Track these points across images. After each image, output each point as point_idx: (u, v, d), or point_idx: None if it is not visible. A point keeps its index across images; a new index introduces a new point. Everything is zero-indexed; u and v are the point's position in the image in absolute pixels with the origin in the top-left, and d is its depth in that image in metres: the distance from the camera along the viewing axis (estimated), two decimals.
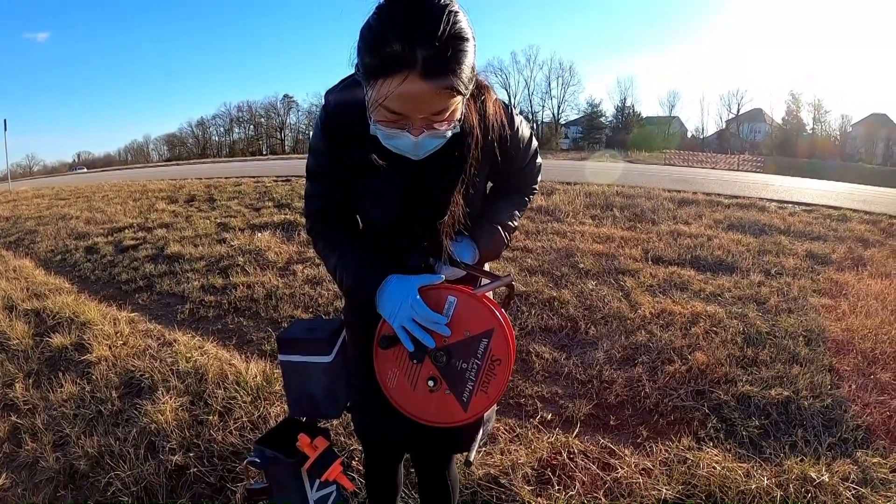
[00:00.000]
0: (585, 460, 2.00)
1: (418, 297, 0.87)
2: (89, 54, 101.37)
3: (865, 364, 2.80)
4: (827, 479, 1.86)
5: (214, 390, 2.46)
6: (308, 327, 0.86)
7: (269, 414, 2.26)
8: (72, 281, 4.86)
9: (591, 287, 3.90)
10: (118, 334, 3.18)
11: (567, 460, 1.99)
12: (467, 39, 0.78)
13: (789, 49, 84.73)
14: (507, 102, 1.06)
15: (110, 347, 2.98)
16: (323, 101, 1.02)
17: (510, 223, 1.14)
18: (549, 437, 2.13)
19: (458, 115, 0.85)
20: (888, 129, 45.53)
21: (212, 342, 3.13)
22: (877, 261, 4.82)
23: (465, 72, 0.78)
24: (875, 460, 2.00)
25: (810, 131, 48.02)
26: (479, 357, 0.85)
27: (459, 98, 0.82)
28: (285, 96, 64.13)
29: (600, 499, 1.82)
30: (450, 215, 0.99)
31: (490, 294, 0.93)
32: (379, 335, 0.86)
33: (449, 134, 0.86)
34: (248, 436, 2.14)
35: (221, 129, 65.48)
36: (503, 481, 1.85)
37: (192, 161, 43.26)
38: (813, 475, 1.88)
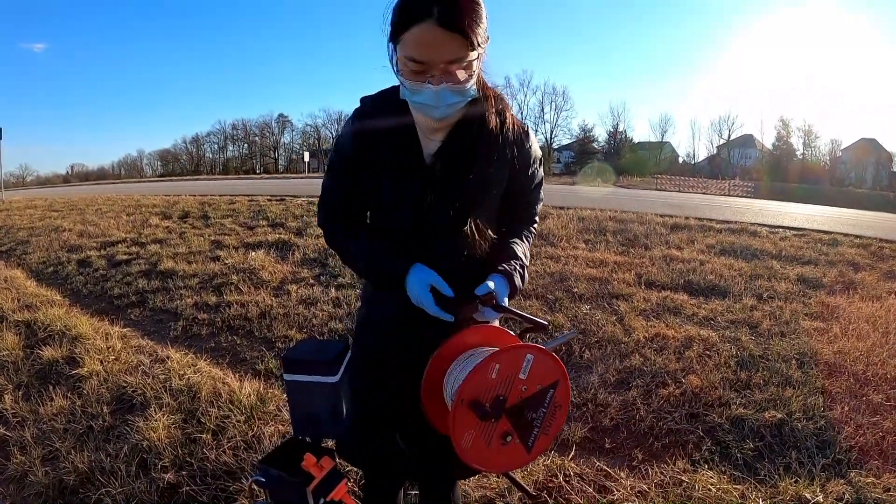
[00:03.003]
0: (581, 483, 2.00)
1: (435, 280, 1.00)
2: (86, 67, 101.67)
3: (858, 386, 2.83)
4: (822, 500, 1.89)
5: (208, 408, 2.43)
6: (314, 348, 0.86)
7: (264, 433, 2.24)
8: (63, 293, 4.82)
9: (584, 311, 3.92)
10: (110, 349, 3.15)
11: (563, 483, 1.99)
12: (479, 4, 0.92)
13: (780, 75, 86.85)
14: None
15: (102, 362, 2.95)
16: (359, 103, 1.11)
17: (527, 261, 1.15)
18: (544, 460, 2.12)
19: (473, 71, 0.95)
20: (878, 153, 46.46)
21: (205, 360, 3.10)
22: (867, 284, 4.90)
23: (476, 28, 0.90)
24: (869, 480, 2.03)
25: (800, 156, 48.87)
26: (545, 406, 0.91)
27: (473, 54, 0.92)
28: (280, 116, 64.45)
29: None
30: (471, 221, 1.05)
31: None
32: (464, 402, 0.84)
33: (466, 91, 0.95)
34: (242, 455, 2.11)
35: (216, 146, 65.59)
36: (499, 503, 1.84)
37: (185, 177, 43.21)
38: (808, 496, 1.90)
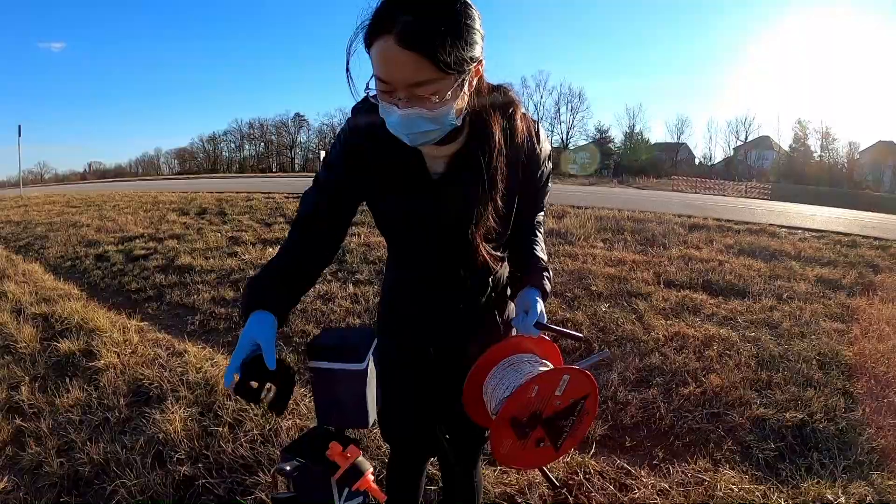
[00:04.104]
0: (602, 480, 1.98)
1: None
2: (104, 66, 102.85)
3: (879, 388, 2.78)
4: (843, 502, 1.86)
5: (224, 402, 2.43)
6: (340, 335, 0.85)
7: (281, 427, 2.23)
8: (81, 287, 4.86)
9: (604, 309, 3.88)
10: (127, 342, 3.17)
11: (584, 480, 1.96)
12: (460, 21, 0.77)
13: (797, 76, 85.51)
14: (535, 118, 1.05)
15: (119, 355, 2.97)
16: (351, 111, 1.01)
17: (547, 260, 1.15)
18: (565, 457, 2.09)
19: (447, 98, 0.81)
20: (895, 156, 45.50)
21: (222, 354, 3.10)
22: (887, 286, 4.79)
23: (451, 50, 0.76)
24: (891, 483, 2.00)
25: (818, 158, 48.01)
26: (575, 414, 0.98)
27: (446, 78, 0.79)
28: (296, 115, 64.76)
29: None
30: (480, 231, 0.98)
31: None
32: (505, 420, 0.91)
33: (443, 119, 0.83)
34: (259, 448, 2.10)
35: (232, 144, 66.16)
36: (519, 500, 1.82)
37: (202, 175, 43.68)
38: (830, 497, 1.88)
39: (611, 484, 1.97)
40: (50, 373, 2.88)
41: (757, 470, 2.09)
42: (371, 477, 0.75)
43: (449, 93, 0.81)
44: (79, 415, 2.39)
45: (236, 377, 0.80)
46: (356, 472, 0.73)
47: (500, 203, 0.98)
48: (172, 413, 2.31)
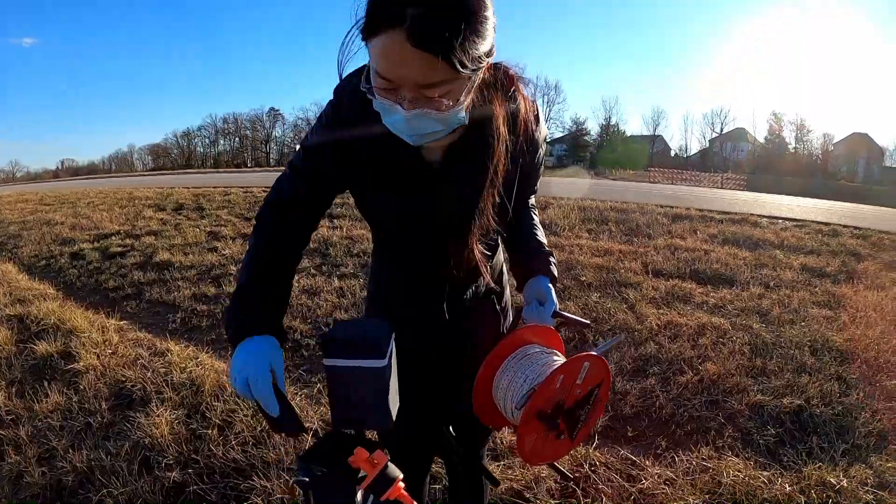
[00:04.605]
0: (608, 471, 1.95)
1: (265, 377, 0.77)
2: (75, 61, 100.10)
3: (871, 373, 2.81)
4: (846, 485, 1.87)
5: (212, 403, 2.33)
6: (357, 327, 0.76)
7: None
8: (57, 287, 4.67)
9: (595, 299, 3.86)
10: (107, 343, 3.03)
11: (589, 472, 1.92)
12: (476, 13, 0.67)
13: (772, 69, 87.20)
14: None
15: (99, 356, 2.83)
16: (333, 93, 0.89)
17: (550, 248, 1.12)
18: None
19: (460, 99, 0.73)
20: (869, 147, 46.75)
21: (207, 353, 2.99)
22: (870, 274, 4.88)
23: (468, 47, 0.67)
24: (890, 465, 2.03)
25: (793, 150, 49.01)
26: (590, 402, 0.96)
27: (459, 77, 0.70)
28: (271, 109, 63.75)
29: None
30: (478, 225, 0.90)
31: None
32: (533, 414, 0.88)
33: (451, 119, 0.74)
34: (251, 451, 2.02)
35: (206, 140, 64.90)
36: (527, 495, 1.78)
37: (176, 171, 42.71)
38: (832, 481, 1.89)
39: (617, 475, 1.94)
40: (27, 376, 2.73)
41: (759, 456, 2.10)
42: (402, 485, 0.68)
43: (462, 94, 0.73)
44: (59, 420, 2.26)
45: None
46: (386, 479, 0.66)
47: (497, 198, 0.91)
48: (158, 416, 2.20)
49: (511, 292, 1.24)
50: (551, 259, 1.09)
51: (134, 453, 2.01)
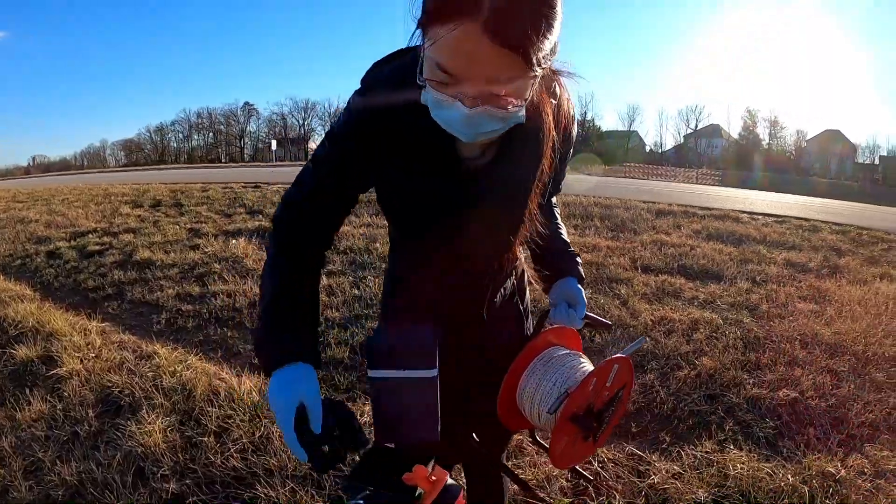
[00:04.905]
0: (616, 468, 1.96)
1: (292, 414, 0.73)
2: (46, 55, 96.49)
3: (860, 365, 2.87)
4: (844, 474, 1.91)
5: (206, 408, 2.25)
6: (399, 335, 0.71)
7: (273, 434, 2.07)
8: (33, 287, 4.47)
9: (587, 295, 3.85)
10: (89, 346, 2.91)
11: (599, 469, 1.92)
12: (554, 6, 0.62)
13: (747, 66, 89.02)
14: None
15: (82, 360, 2.71)
16: (361, 82, 0.81)
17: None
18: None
19: (525, 97, 0.67)
20: (841, 144, 48.14)
21: (195, 355, 2.89)
22: (852, 269, 5.00)
23: (543, 43, 0.62)
24: (884, 454, 2.08)
25: (766, 146, 50.16)
26: (615, 404, 0.95)
27: (529, 75, 0.64)
28: (246, 104, 62.60)
29: None
30: (525, 226, 0.87)
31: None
32: (568, 418, 0.86)
33: (512, 118, 0.69)
34: (251, 458, 1.94)
35: (180, 135, 63.48)
36: (541, 494, 1.76)
37: (150, 167, 41.68)
38: (832, 471, 1.93)
39: (625, 471, 1.95)
40: (7, 383, 2.60)
41: (760, 448, 2.13)
42: (464, 501, 0.64)
43: (527, 91, 0.67)
44: (44, 430, 2.15)
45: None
46: (448, 497, 0.62)
47: (541, 198, 0.87)
48: (150, 423, 2.11)
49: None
50: (578, 259, 1.06)
51: (126, 464, 1.92)
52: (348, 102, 0.82)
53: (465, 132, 0.69)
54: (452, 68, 0.63)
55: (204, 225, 6.37)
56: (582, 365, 0.97)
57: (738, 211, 8.22)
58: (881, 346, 3.05)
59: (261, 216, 6.78)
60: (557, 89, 0.83)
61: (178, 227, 6.31)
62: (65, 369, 2.60)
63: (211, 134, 63.27)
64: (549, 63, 0.66)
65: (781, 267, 4.89)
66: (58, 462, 1.93)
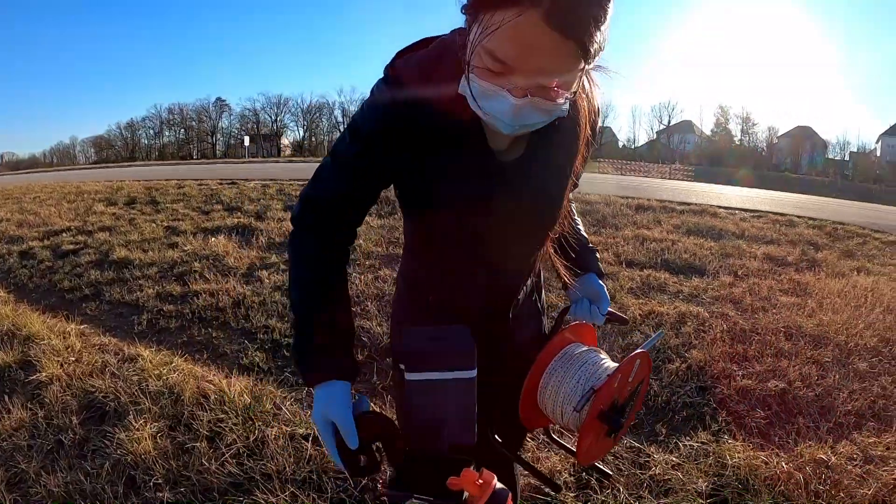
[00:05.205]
0: (616, 460, 1.98)
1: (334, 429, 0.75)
2: (14, 51, 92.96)
3: (843, 356, 2.96)
4: (835, 461, 1.98)
5: (196, 412, 2.19)
6: (434, 336, 0.69)
7: (268, 437, 2.02)
8: (7, 289, 4.30)
9: (558, 289, 3.88)
10: (69, 349, 2.79)
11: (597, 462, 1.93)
12: (610, 0, 0.61)
13: (720, 64, 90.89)
14: None
15: (62, 365, 2.60)
16: (384, 71, 0.78)
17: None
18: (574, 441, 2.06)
19: (573, 89, 0.66)
20: (812, 140, 49.60)
21: (180, 357, 2.81)
22: (830, 262, 5.15)
23: (599, 36, 0.60)
24: (871, 440, 2.15)
25: (738, 142, 51.35)
26: (634, 399, 0.93)
27: (580, 67, 0.63)
28: (218, 99, 61.58)
29: (645, 497, 1.80)
30: (559, 221, 0.86)
31: None
32: (596, 415, 0.85)
33: (556, 110, 0.67)
34: (247, 463, 1.89)
35: (151, 131, 62.00)
36: (546, 489, 1.75)
37: (121, 164, 40.50)
38: (823, 458, 2.00)
39: (626, 462, 1.98)
40: None
41: (753, 437, 2.18)
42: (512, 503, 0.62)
43: (575, 83, 0.66)
44: (26, 439, 2.06)
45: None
46: (498, 501, 0.60)
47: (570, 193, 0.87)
48: (138, 430, 2.04)
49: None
50: (597, 255, 1.06)
51: (116, 473, 1.84)
52: (373, 93, 0.77)
53: (509, 124, 0.66)
54: (508, 57, 0.60)
55: (181, 222, 6.21)
56: (603, 361, 0.95)
57: (716, 206, 8.38)
58: (862, 337, 3.15)
59: (239, 213, 6.63)
60: (587, 83, 0.80)
61: (154, 224, 6.13)
62: (44, 374, 2.49)
63: (182, 130, 61.98)
64: (599, 56, 0.64)
65: (761, 261, 5.01)
66: (43, 473, 1.85)
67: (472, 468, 0.61)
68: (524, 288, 1.01)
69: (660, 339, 1.04)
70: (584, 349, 0.99)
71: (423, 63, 0.75)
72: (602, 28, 0.60)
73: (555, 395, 0.94)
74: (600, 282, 1.02)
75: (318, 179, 0.83)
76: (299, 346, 0.80)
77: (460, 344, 0.67)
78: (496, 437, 1.07)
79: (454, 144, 0.77)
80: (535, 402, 0.99)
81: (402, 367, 0.67)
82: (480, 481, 0.60)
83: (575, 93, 0.67)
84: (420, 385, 0.66)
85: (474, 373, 0.66)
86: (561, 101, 0.65)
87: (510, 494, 0.63)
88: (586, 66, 0.63)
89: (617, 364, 0.91)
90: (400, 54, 0.78)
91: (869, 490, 1.82)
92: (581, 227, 1.09)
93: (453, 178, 0.79)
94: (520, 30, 0.58)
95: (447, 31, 0.78)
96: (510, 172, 0.80)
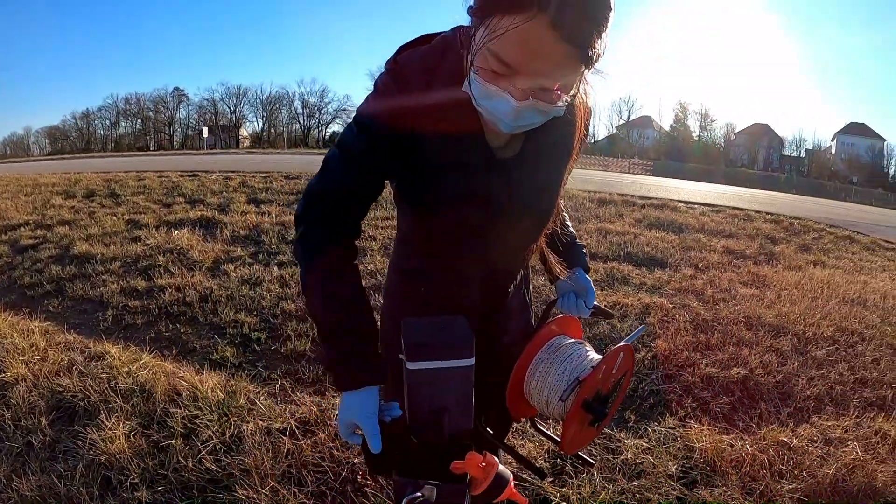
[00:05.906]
0: (590, 446, 2.05)
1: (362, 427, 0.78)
2: None
3: (801, 344, 3.14)
4: (797, 443, 2.12)
5: (169, 409, 2.15)
6: (432, 327, 0.72)
7: (244, 432, 2.01)
8: None
9: (541, 282, 3.95)
10: (33, 348, 2.68)
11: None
12: (612, 6, 0.65)
13: (678, 60, 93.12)
14: None
15: (27, 364, 2.50)
16: (387, 65, 0.80)
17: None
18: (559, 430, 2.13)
19: (572, 92, 0.70)
20: (769, 137, 51.47)
21: (149, 353, 2.74)
22: (787, 255, 5.42)
23: (599, 44, 0.64)
24: (829, 423, 2.31)
25: (697, 138, 52.81)
26: (617, 390, 0.97)
27: (581, 71, 0.67)
28: (176, 89, 59.12)
29: (619, 480, 1.89)
30: (553, 216, 0.91)
31: None
32: (581, 404, 0.88)
33: (553, 112, 0.71)
34: (225, 459, 1.88)
35: (107, 122, 59.20)
36: (523, 475, 1.81)
37: (77, 155, 38.62)
38: (785, 440, 2.13)
39: (599, 449, 2.06)
40: None
41: (718, 422, 2.30)
42: (513, 482, 0.66)
43: (574, 86, 0.69)
44: None
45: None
46: (501, 482, 0.63)
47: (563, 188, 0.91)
48: (111, 429, 1.99)
49: None
50: (584, 250, 1.10)
51: (90, 474, 1.80)
52: (377, 87, 0.80)
53: (509, 123, 0.70)
54: (513, 61, 0.64)
55: (143, 216, 6.00)
56: (588, 353, 0.99)
57: (676, 200, 8.66)
58: (819, 327, 3.34)
59: (202, 206, 6.45)
60: (582, 84, 0.85)
61: (115, 218, 5.90)
62: (9, 374, 2.40)
63: (139, 121, 59.41)
64: (599, 61, 0.68)
65: (721, 254, 5.22)
66: (13, 476, 1.79)
67: (474, 452, 0.65)
68: (515, 281, 1.05)
69: (643, 332, 1.09)
70: (570, 341, 1.02)
71: (426, 59, 0.78)
72: (604, 34, 0.64)
73: (541, 386, 0.98)
74: (587, 276, 1.06)
75: (326, 171, 0.85)
76: (328, 355, 0.82)
77: (460, 333, 0.70)
78: (484, 426, 1.11)
79: (455, 141, 0.80)
80: (522, 392, 1.02)
81: (402, 356, 0.70)
82: (484, 464, 0.63)
83: (574, 95, 0.71)
84: (421, 374, 0.69)
85: (472, 361, 0.70)
86: (560, 103, 0.69)
87: (511, 477, 0.66)
88: (587, 70, 0.67)
89: (601, 356, 0.95)
90: (402, 49, 0.81)
91: (829, 470, 1.94)
92: (569, 222, 1.13)
93: (454, 174, 0.82)
94: (526, 35, 0.61)
95: (447, 29, 0.81)
96: (508, 168, 0.83)
